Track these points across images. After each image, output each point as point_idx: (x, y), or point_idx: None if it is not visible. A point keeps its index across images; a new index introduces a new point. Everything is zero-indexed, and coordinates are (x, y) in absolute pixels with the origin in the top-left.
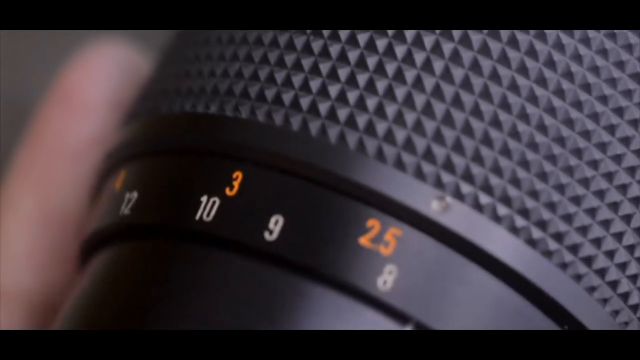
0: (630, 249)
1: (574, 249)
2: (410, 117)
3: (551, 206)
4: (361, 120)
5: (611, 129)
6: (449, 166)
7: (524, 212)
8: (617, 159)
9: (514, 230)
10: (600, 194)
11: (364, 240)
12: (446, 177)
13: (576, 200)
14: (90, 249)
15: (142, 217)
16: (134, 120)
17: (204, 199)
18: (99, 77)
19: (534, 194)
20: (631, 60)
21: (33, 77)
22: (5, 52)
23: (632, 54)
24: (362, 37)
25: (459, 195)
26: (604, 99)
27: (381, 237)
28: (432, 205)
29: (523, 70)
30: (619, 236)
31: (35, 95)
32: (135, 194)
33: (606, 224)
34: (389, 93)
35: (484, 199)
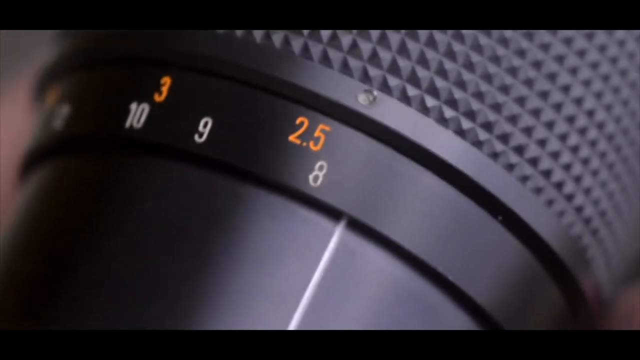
0: (562, 137)
1: (504, 138)
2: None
3: (479, 96)
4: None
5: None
6: (375, 60)
7: (453, 103)
8: (545, 47)
9: (443, 121)
10: (529, 82)
11: (293, 138)
12: (372, 71)
13: (504, 89)
14: (26, 167)
15: (73, 130)
16: (61, 38)
17: (133, 106)
18: None
19: (462, 85)
20: None
21: None
22: (5, 52)
23: None
24: None
25: (386, 88)
26: None
27: (310, 133)
28: (359, 99)
29: None
30: (549, 125)
31: None
32: (67, 108)
33: (536, 112)
34: None
35: (412, 91)
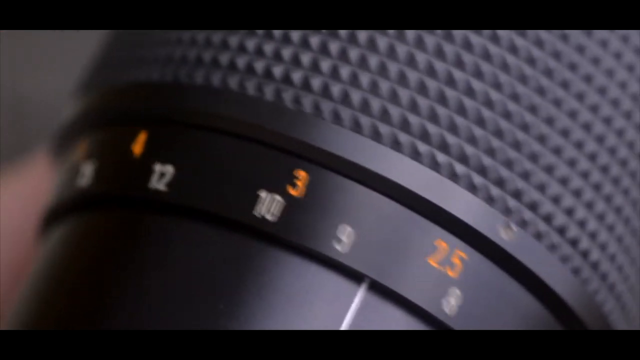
0: (600, 217)
1: (595, 266)
2: (480, 134)
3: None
4: (434, 132)
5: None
6: (519, 196)
7: (573, 242)
8: (600, 139)
9: (565, 259)
10: (572, 162)
11: (432, 261)
12: (512, 203)
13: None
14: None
15: (185, 199)
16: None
17: (263, 194)
18: None
19: (571, 213)
20: None
21: (33, 77)
22: (5, 52)
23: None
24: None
25: (522, 222)
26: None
27: (448, 258)
28: (499, 232)
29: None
30: (589, 205)
31: (35, 95)
32: (169, 169)
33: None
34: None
35: (543, 226)
